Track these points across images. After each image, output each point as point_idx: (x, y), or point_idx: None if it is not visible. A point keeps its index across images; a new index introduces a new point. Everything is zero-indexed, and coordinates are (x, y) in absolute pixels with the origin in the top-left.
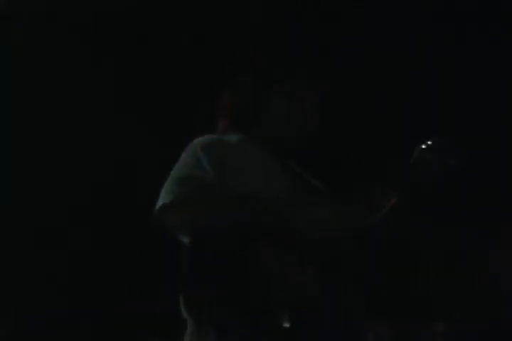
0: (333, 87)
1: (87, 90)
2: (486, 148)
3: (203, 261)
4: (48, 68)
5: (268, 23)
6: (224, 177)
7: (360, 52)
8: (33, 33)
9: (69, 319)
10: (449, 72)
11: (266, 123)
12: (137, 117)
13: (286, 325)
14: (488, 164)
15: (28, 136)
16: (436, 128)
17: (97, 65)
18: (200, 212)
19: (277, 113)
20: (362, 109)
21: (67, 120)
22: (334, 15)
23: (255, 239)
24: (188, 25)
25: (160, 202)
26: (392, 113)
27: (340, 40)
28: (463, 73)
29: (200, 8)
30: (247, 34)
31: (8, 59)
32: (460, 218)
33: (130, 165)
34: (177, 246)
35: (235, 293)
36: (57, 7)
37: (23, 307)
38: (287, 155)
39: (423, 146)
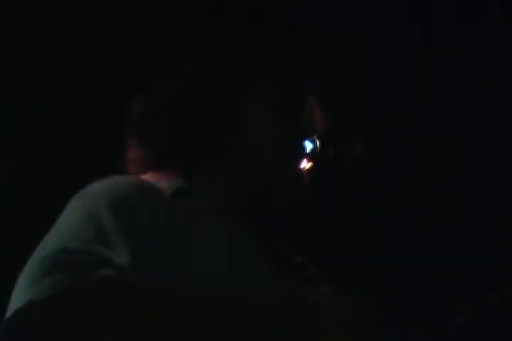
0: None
1: None
2: None
3: None
4: None
5: None
6: (148, 265)
7: None
8: None
9: None
10: None
11: (231, 158)
12: None
13: None
14: None
15: None
16: None
17: None
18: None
19: (257, 136)
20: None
21: None
22: None
23: None
24: None
25: (20, 301)
26: None
27: None
28: None
29: None
30: None
31: None
32: None
33: None
34: None
35: None
36: None
37: None
38: (268, 224)
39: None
